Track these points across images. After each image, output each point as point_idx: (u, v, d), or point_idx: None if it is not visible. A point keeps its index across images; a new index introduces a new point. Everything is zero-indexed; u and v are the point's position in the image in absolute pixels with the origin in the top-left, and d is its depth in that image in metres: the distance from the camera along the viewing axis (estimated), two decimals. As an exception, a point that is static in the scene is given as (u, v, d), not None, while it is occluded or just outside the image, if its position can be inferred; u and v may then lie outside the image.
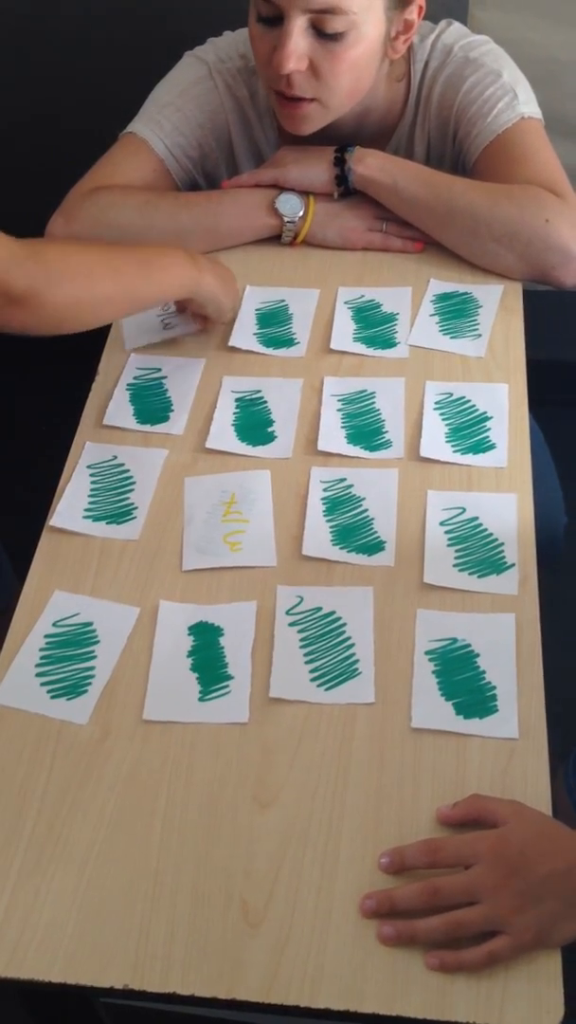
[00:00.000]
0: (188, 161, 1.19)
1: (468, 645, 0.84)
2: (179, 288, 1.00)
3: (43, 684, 0.83)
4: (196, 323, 1.08)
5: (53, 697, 0.82)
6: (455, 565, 0.89)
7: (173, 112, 1.16)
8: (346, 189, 1.14)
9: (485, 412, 1.01)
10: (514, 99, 1.13)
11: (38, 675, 0.83)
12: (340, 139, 1.15)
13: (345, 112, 1.11)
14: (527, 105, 1.14)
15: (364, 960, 0.68)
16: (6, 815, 0.76)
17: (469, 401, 1.02)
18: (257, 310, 1.12)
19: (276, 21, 1.02)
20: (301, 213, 1.15)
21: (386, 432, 1.00)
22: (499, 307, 1.10)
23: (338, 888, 0.71)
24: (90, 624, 0.87)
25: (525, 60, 1.22)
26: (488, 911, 0.66)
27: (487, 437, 0.99)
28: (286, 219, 1.15)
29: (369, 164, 1.12)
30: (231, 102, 1.18)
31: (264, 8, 1.02)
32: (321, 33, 1.02)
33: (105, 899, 0.72)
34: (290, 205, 1.15)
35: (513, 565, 0.89)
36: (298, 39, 1.01)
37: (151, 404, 1.03)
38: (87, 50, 1.62)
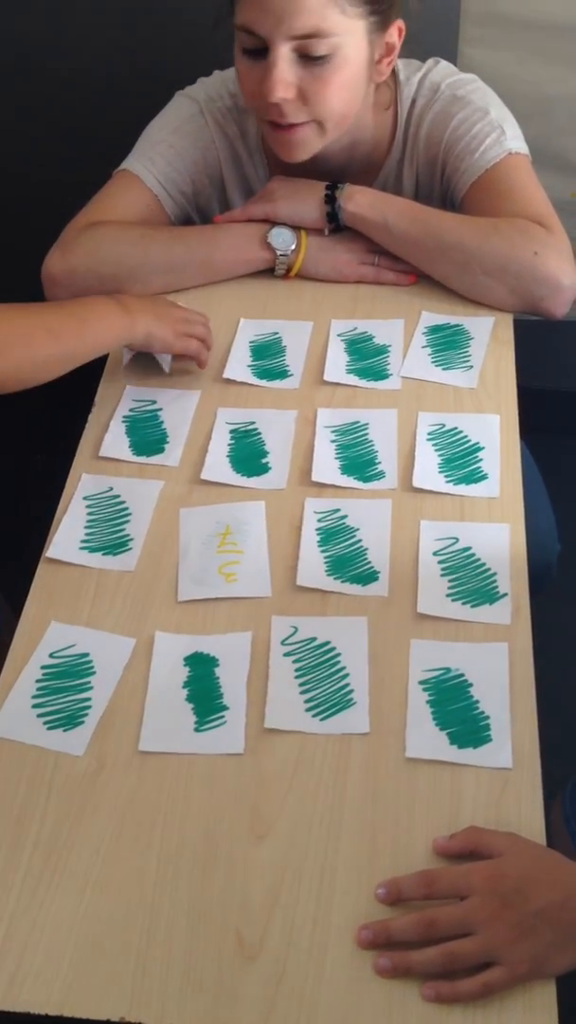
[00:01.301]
0: (181, 196, 1.21)
1: (462, 675, 0.84)
2: (114, 339, 1.04)
3: (39, 715, 0.83)
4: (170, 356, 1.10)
5: (49, 728, 0.82)
6: (448, 595, 0.90)
7: (166, 149, 1.18)
8: (336, 226, 1.16)
9: (477, 443, 1.02)
10: (501, 135, 1.15)
11: (35, 706, 0.84)
12: (329, 173, 1.17)
13: (338, 136, 1.12)
14: (514, 141, 1.16)
15: (360, 992, 0.68)
16: (3, 847, 0.76)
17: (461, 432, 1.03)
18: (251, 342, 1.14)
19: (261, 53, 1.04)
20: (293, 247, 1.17)
21: (379, 463, 1.01)
22: (490, 339, 1.12)
23: (334, 920, 0.72)
24: (86, 655, 0.87)
25: (513, 96, 1.25)
26: (484, 942, 0.67)
27: (479, 468, 1.00)
28: (279, 253, 1.17)
29: (359, 202, 1.14)
30: (222, 139, 1.20)
31: (248, 40, 1.04)
32: (306, 59, 1.04)
33: (102, 931, 0.72)
34: (282, 239, 1.17)
35: (506, 595, 0.90)
36: (284, 67, 1.03)
37: (147, 436, 1.05)
38: (83, 89, 1.65)
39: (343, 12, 1.02)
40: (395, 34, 1.09)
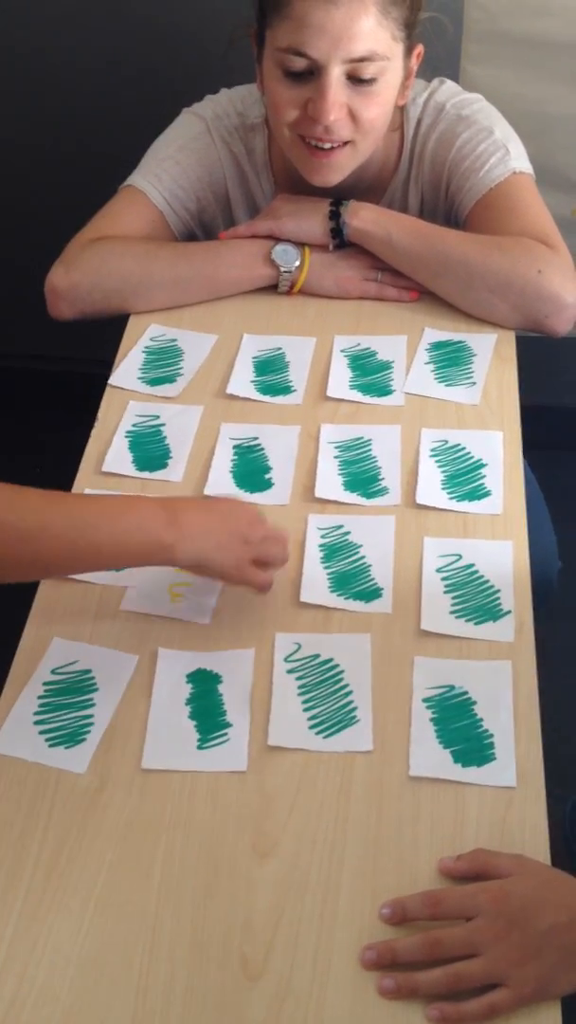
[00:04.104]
0: (186, 213, 1.21)
1: (465, 692, 0.84)
2: (140, 553, 0.80)
3: (41, 732, 0.83)
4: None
5: (51, 745, 0.82)
6: (452, 612, 0.90)
7: (172, 166, 1.19)
8: (341, 242, 1.17)
9: (480, 459, 1.02)
10: (506, 155, 1.16)
11: (36, 723, 0.83)
12: (337, 191, 1.17)
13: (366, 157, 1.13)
14: (518, 160, 1.17)
15: (364, 1013, 0.68)
16: (4, 865, 0.75)
17: (464, 448, 1.03)
18: (254, 358, 1.14)
19: (306, 75, 1.05)
20: (297, 263, 1.17)
21: (382, 479, 1.01)
22: (493, 355, 1.12)
23: (338, 939, 0.71)
24: (89, 672, 0.87)
25: (515, 113, 1.26)
26: (489, 964, 0.66)
27: (482, 484, 1.00)
28: (283, 269, 1.17)
29: (363, 217, 1.15)
30: (228, 157, 1.21)
31: (296, 63, 1.05)
32: (355, 79, 1.05)
33: (103, 951, 0.71)
34: (286, 256, 1.17)
35: (509, 612, 0.90)
36: (337, 89, 1.04)
37: (150, 451, 1.05)
38: (88, 104, 1.66)
39: (393, 37, 1.05)
40: (414, 59, 1.11)
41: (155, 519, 0.79)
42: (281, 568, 0.88)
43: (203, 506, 0.85)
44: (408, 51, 1.10)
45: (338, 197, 1.17)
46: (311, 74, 1.05)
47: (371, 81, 1.06)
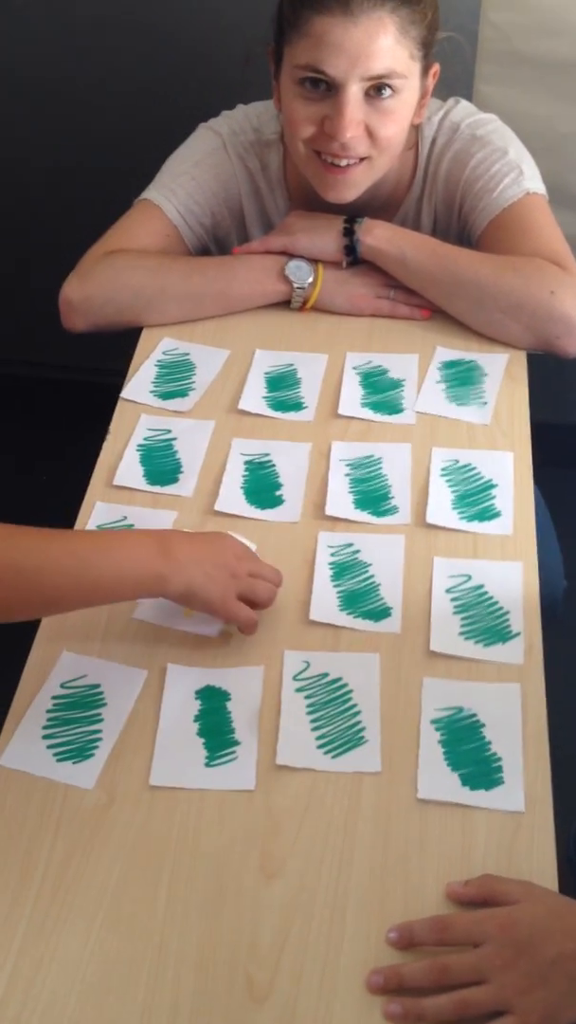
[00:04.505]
0: (200, 228, 1.22)
1: (474, 715, 0.84)
2: (136, 586, 0.81)
3: (49, 747, 0.83)
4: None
5: (59, 760, 0.82)
6: (461, 633, 0.90)
7: (187, 181, 1.19)
8: (354, 259, 1.17)
9: (490, 480, 1.02)
10: (520, 175, 1.16)
11: (45, 737, 0.83)
12: (350, 208, 1.17)
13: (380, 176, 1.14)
14: (532, 181, 1.17)
15: (370, 1038, 0.68)
16: (11, 881, 0.75)
17: (475, 468, 1.04)
18: (266, 373, 1.14)
19: (323, 92, 1.06)
20: (310, 279, 1.18)
21: (393, 498, 1.01)
22: (504, 376, 1.12)
23: (344, 962, 0.71)
24: (98, 686, 0.87)
25: (528, 133, 1.26)
26: (496, 991, 0.66)
27: (492, 505, 1.00)
28: (295, 285, 1.18)
29: (377, 235, 1.15)
30: (243, 173, 1.21)
31: (311, 79, 1.05)
32: (374, 96, 1.06)
33: (109, 971, 0.71)
34: (300, 272, 1.18)
35: (519, 634, 0.90)
36: (355, 107, 1.05)
37: (161, 465, 1.05)
38: (106, 118, 1.67)
39: (411, 56, 1.06)
40: (430, 79, 1.12)
41: (147, 550, 0.81)
42: (268, 608, 0.88)
43: (193, 538, 0.86)
44: (425, 70, 1.10)
45: (352, 214, 1.17)
46: (328, 91, 1.06)
47: (388, 99, 1.06)
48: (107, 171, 1.63)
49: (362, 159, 1.10)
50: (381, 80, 1.05)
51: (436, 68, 1.13)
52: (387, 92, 1.06)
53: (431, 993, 0.68)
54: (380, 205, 1.21)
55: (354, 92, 1.04)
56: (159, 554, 0.81)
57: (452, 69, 1.18)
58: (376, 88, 1.05)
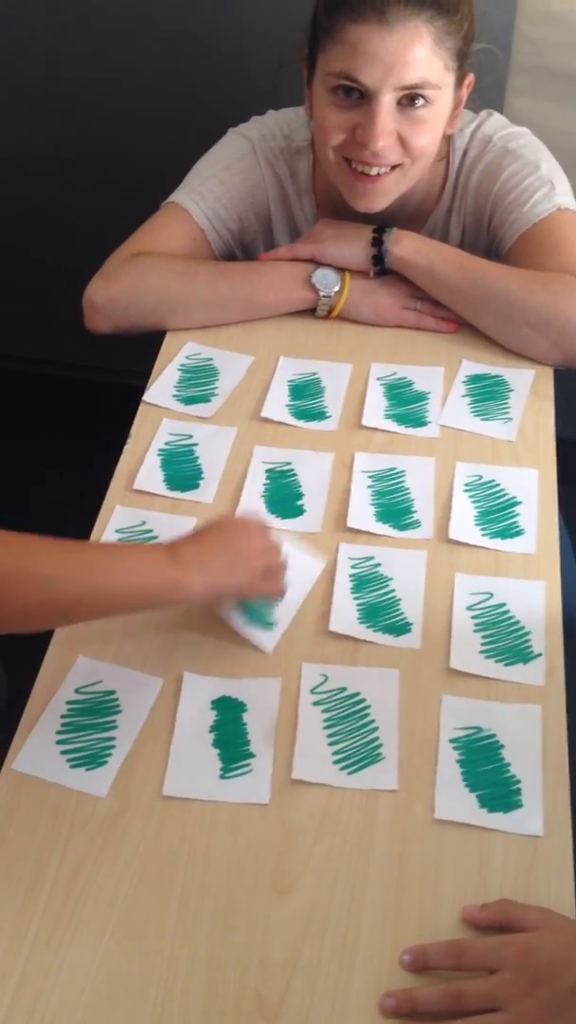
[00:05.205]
0: (227, 233, 1.21)
1: (493, 735, 0.83)
2: (144, 592, 0.80)
3: (63, 752, 0.82)
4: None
5: (72, 767, 0.81)
6: (482, 652, 0.89)
7: (216, 185, 1.19)
8: (382, 269, 1.16)
9: (514, 497, 1.01)
10: (551, 190, 1.15)
11: (59, 742, 0.82)
12: (379, 219, 1.17)
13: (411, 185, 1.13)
14: (564, 196, 1.16)
15: (381, 1062, 0.67)
16: (21, 887, 0.74)
17: (498, 485, 1.02)
18: (290, 381, 1.13)
19: (356, 99, 1.05)
20: (337, 288, 1.17)
21: (415, 512, 1.00)
22: (530, 392, 1.11)
23: (356, 984, 0.70)
24: (112, 692, 0.86)
25: (559, 148, 1.25)
26: (511, 1019, 0.65)
27: (516, 522, 0.99)
28: (322, 293, 1.17)
29: (406, 246, 1.14)
30: (272, 179, 1.21)
31: (344, 88, 1.05)
32: (406, 106, 1.05)
33: (117, 984, 0.70)
34: (326, 280, 1.17)
35: (540, 655, 0.88)
36: (387, 116, 1.04)
37: (182, 470, 1.04)
38: (135, 122, 1.68)
39: (445, 66, 1.05)
40: (464, 89, 1.11)
41: (155, 556, 0.81)
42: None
43: (198, 537, 0.85)
44: (459, 80, 1.09)
45: (380, 224, 1.16)
46: (361, 99, 1.05)
47: (421, 109, 1.05)
48: (135, 174, 1.63)
49: (394, 168, 1.09)
50: (414, 90, 1.04)
51: (471, 78, 1.12)
52: (420, 102, 1.05)
53: (445, 1019, 0.66)
54: (408, 216, 1.20)
55: (387, 101, 1.04)
56: (169, 561, 0.80)
57: (484, 80, 1.17)
58: (409, 98, 1.05)
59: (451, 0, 1.03)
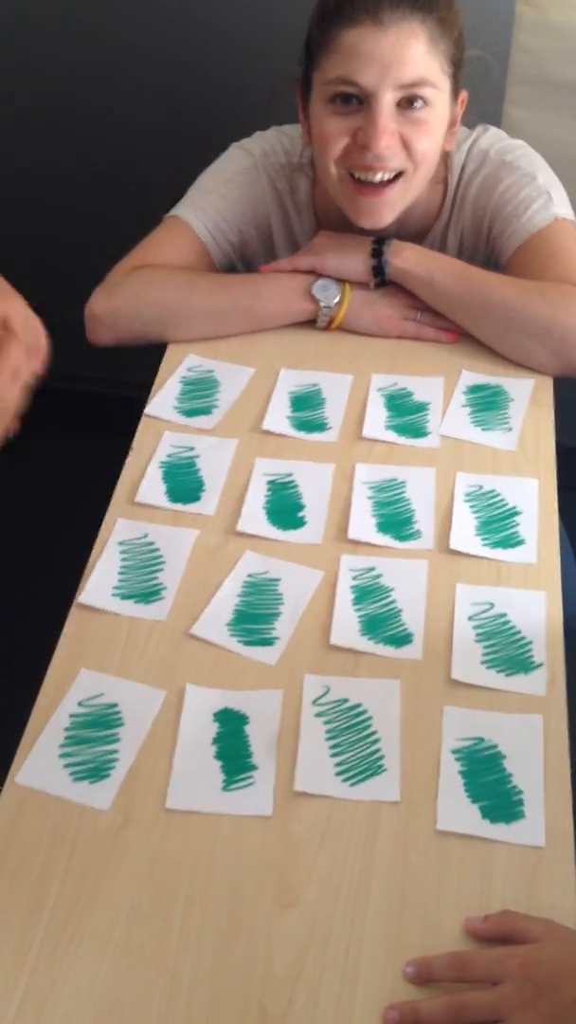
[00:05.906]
0: (228, 246, 1.22)
1: (495, 746, 0.83)
2: None
3: (66, 765, 0.82)
4: None
5: (76, 780, 0.81)
6: (483, 662, 0.89)
7: (217, 199, 1.19)
8: (382, 280, 1.17)
9: (515, 507, 1.01)
10: (548, 201, 1.16)
11: (62, 755, 0.83)
12: (379, 237, 1.17)
13: (414, 198, 1.13)
14: (561, 207, 1.17)
15: (384, 1075, 0.67)
16: (24, 901, 0.74)
17: (499, 495, 1.03)
18: (291, 393, 1.14)
19: (356, 106, 1.06)
20: (337, 299, 1.17)
21: (416, 522, 1.00)
22: (530, 401, 1.12)
23: (359, 997, 0.70)
24: (115, 705, 0.86)
25: (558, 159, 1.26)
26: (514, 1031, 0.65)
27: (516, 532, 0.99)
28: (322, 304, 1.17)
29: (406, 257, 1.15)
30: (272, 194, 1.21)
31: (344, 93, 1.05)
32: (406, 108, 1.06)
33: (120, 997, 0.70)
34: (327, 291, 1.17)
35: (541, 665, 0.89)
36: (388, 116, 1.05)
37: (183, 483, 1.04)
38: (136, 138, 1.69)
39: (441, 69, 1.06)
40: (459, 106, 1.12)
41: None
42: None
43: None
44: (454, 94, 1.10)
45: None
46: (360, 105, 1.05)
47: (421, 110, 1.06)
48: (137, 187, 1.64)
49: (397, 176, 1.09)
50: (413, 90, 1.04)
51: (464, 95, 1.12)
52: (419, 103, 1.06)
53: (448, 1031, 0.66)
54: (408, 235, 1.20)
55: (387, 101, 1.04)
56: None
57: (481, 90, 1.18)
58: (408, 100, 1.05)
59: (441, 3, 1.04)
